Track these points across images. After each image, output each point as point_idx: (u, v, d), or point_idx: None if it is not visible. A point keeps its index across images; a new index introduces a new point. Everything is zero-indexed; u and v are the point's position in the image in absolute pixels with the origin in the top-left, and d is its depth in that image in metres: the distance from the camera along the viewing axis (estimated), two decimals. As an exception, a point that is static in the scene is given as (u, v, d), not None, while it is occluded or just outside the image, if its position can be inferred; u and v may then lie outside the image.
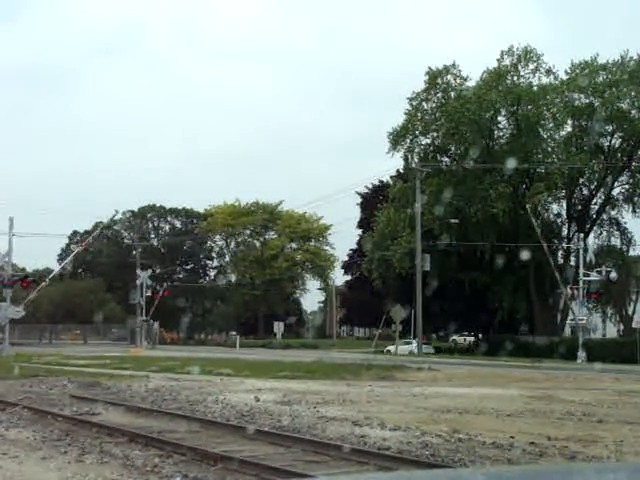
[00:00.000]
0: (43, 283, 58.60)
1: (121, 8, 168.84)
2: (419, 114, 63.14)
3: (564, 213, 65.03)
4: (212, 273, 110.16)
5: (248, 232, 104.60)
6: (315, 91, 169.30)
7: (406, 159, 65.58)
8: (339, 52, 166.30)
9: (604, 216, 64.49)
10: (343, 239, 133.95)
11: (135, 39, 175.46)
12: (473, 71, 63.24)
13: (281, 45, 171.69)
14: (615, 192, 63.59)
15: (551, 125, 61.45)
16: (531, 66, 60.98)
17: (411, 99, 62.80)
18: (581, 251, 51.62)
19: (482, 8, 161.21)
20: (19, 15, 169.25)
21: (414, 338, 60.66)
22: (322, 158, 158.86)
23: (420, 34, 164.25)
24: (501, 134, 63.94)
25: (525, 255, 51.31)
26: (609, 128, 60.04)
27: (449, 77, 62.32)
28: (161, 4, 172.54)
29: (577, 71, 60.60)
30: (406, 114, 62.84)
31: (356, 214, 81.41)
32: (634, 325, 53.11)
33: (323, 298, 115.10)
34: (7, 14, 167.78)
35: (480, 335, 71.60)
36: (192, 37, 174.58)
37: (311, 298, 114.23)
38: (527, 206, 56.48)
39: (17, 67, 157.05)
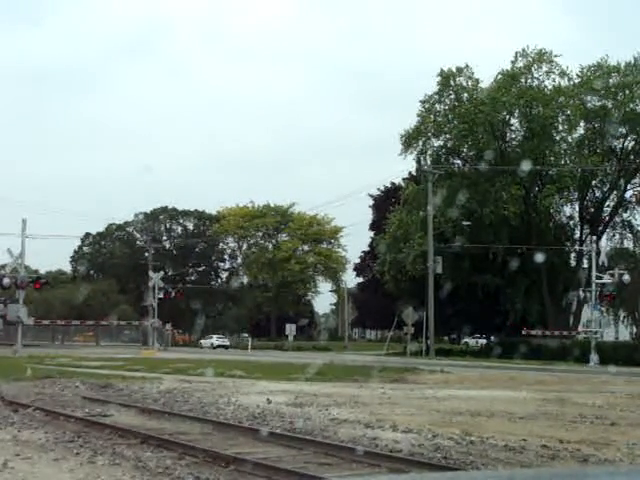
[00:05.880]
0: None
1: (143, 10, 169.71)
2: (431, 116, 63.17)
3: (576, 215, 64.89)
4: (224, 275, 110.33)
5: (260, 234, 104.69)
6: (331, 94, 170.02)
7: (418, 161, 65.48)
8: (356, 56, 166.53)
9: (617, 218, 64.37)
10: (355, 241, 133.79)
11: (156, 41, 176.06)
12: (489, 72, 62.92)
13: (299, 48, 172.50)
14: (628, 194, 63.62)
15: (564, 127, 61.38)
16: (545, 68, 60.98)
17: (423, 101, 62.95)
18: (594, 253, 51.43)
19: (502, 8, 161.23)
20: (42, 18, 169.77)
21: (426, 340, 60.60)
22: (335, 160, 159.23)
23: (438, 36, 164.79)
24: (514, 136, 63.90)
25: (538, 257, 51.21)
26: (622, 130, 59.90)
27: (461, 79, 62.34)
28: (183, 6, 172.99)
29: (589, 73, 60.52)
30: (418, 116, 62.91)
31: (368, 216, 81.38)
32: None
33: (335, 300, 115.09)
34: (31, 17, 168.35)
35: (492, 337, 71.47)
36: (212, 39, 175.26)
37: (323, 300, 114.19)
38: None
39: (34, 68, 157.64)
